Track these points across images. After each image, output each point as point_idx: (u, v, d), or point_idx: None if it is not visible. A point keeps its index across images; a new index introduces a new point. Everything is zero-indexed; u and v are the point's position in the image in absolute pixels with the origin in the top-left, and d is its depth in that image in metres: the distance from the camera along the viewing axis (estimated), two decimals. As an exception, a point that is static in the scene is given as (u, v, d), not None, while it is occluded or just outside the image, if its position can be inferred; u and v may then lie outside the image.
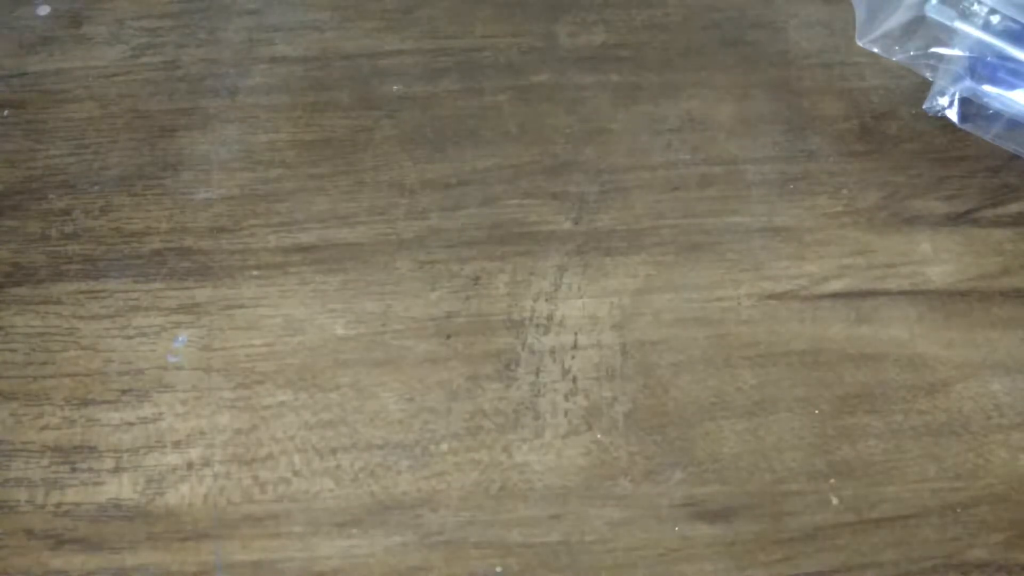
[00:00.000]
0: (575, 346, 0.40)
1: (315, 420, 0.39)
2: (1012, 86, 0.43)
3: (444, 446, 0.39)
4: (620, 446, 0.38)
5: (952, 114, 0.44)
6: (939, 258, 0.42)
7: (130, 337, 0.40)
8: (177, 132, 0.42)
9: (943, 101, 0.44)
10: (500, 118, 0.46)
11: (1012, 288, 0.41)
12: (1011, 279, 0.41)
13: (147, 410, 0.39)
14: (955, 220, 0.43)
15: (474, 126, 0.46)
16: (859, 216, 0.43)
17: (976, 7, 0.42)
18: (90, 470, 0.39)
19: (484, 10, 0.49)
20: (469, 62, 0.48)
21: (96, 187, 0.41)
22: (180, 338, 0.40)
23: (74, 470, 0.39)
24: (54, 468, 0.39)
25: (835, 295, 0.41)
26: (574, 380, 0.39)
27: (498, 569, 0.37)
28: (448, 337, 0.41)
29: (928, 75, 0.45)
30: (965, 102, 0.44)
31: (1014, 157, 0.44)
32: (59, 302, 0.41)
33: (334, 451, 0.39)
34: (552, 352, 0.40)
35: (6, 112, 0.45)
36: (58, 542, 0.38)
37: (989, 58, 0.42)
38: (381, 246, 0.43)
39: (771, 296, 0.41)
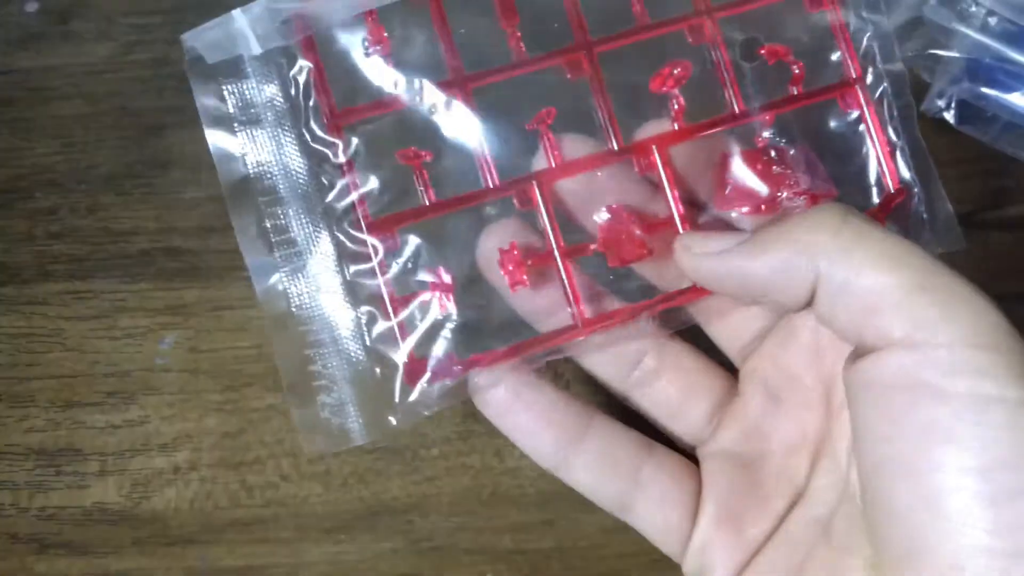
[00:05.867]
0: (568, 349, 0.40)
1: (304, 423, 0.39)
2: (1010, 88, 0.42)
3: (435, 451, 0.38)
4: (613, 451, 0.38)
5: (950, 116, 0.44)
6: (937, 261, 0.41)
7: (116, 338, 0.40)
8: (166, 130, 0.41)
9: (941, 103, 0.44)
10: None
11: (1011, 291, 0.41)
12: (1010, 282, 0.41)
13: (133, 412, 0.39)
14: (953, 223, 0.42)
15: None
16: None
17: (974, 8, 0.42)
18: (75, 473, 0.38)
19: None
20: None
21: (83, 186, 0.41)
22: (167, 339, 0.40)
23: (59, 473, 0.38)
24: (39, 471, 0.38)
25: (831, 299, 0.41)
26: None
27: (489, 575, 0.37)
28: (439, 340, 0.40)
29: (926, 76, 0.45)
30: (963, 104, 0.43)
31: (1012, 160, 0.43)
32: (45, 302, 0.40)
33: (323, 455, 0.38)
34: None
35: (-7, 109, 0.44)
36: (42, 546, 0.38)
37: (987, 60, 0.42)
38: (372, 247, 0.42)
39: (766, 299, 0.41)
